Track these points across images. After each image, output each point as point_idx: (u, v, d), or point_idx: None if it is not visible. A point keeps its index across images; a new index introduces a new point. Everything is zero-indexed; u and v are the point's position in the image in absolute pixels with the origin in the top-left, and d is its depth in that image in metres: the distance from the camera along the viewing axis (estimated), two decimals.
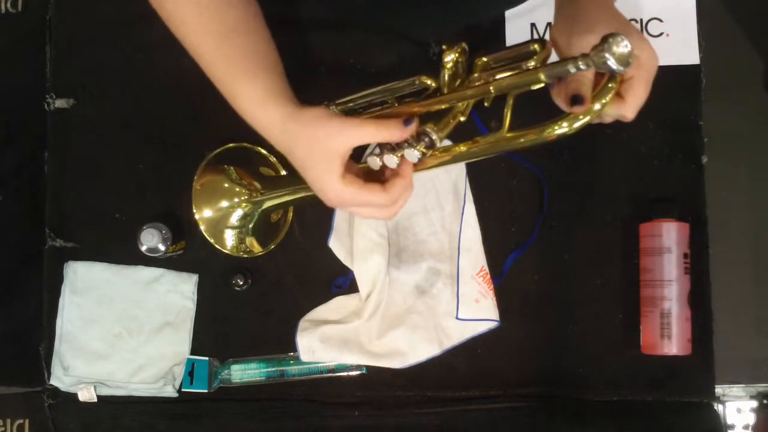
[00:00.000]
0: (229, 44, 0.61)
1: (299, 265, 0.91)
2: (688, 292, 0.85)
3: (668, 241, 0.85)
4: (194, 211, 0.83)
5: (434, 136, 0.60)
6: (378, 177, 0.64)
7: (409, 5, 0.74)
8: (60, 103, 0.93)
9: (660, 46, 0.90)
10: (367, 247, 0.86)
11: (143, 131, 0.93)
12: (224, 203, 0.83)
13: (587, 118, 0.54)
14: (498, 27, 0.92)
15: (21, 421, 0.92)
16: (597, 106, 0.54)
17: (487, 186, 0.90)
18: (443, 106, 0.61)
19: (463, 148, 0.62)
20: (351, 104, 0.77)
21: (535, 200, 0.90)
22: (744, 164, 0.94)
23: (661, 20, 0.92)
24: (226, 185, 0.84)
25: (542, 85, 0.56)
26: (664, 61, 0.90)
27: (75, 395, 0.89)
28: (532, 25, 0.92)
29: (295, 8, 0.91)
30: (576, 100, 0.53)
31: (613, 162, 0.90)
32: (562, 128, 0.55)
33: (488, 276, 0.87)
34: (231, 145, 0.86)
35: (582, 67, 0.51)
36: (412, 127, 0.59)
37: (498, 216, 0.90)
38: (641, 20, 0.92)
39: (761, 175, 0.94)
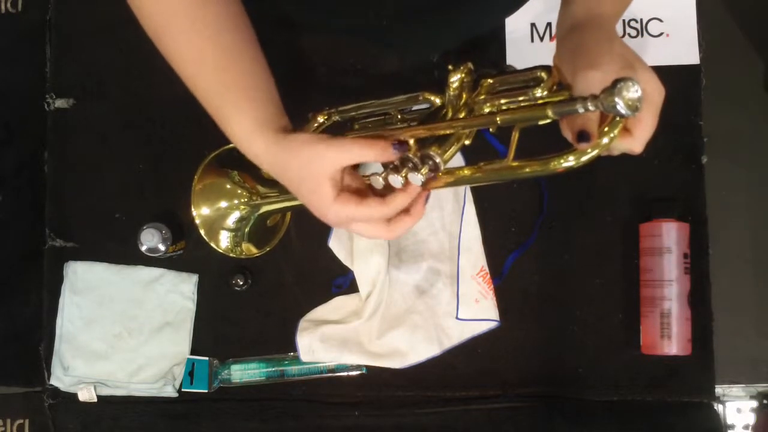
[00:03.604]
0: (222, 72, 0.61)
1: (299, 265, 0.91)
2: (688, 292, 0.85)
3: (668, 241, 0.85)
4: (192, 208, 0.83)
5: (438, 159, 0.60)
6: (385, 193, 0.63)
7: (408, 22, 0.74)
8: (60, 103, 0.93)
9: (660, 46, 0.91)
10: (367, 247, 0.86)
11: (143, 131, 0.93)
12: (223, 203, 0.83)
13: (595, 152, 0.54)
14: (498, 28, 0.92)
15: (21, 421, 0.92)
16: (605, 140, 0.53)
17: (487, 186, 0.90)
18: (448, 132, 0.61)
19: (467, 172, 0.61)
20: (353, 113, 0.77)
21: (535, 200, 0.90)
22: (744, 164, 0.94)
23: (661, 20, 0.92)
24: (228, 186, 0.84)
25: (549, 120, 0.55)
26: (664, 61, 0.90)
27: (75, 395, 0.89)
28: (532, 25, 0.92)
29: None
30: (582, 136, 0.53)
31: (613, 162, 0.89)
32: (568, 161, 0.54)
33: (488, 276, 0.87)
34: (232, 146, 0.86)
35: (591, 108, 0.50)
36: (402, 152, 0.59)
37: (498, 216, 0.90)
38: (641, 20, 0.92)
39: (761, 175, 0.94)
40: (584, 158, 0.54)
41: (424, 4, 0.70)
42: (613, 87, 0.49)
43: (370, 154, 0.59)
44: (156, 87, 0.93)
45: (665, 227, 0.85)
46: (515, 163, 0.58)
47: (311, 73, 0.92)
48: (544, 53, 0.91)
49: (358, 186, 0.63)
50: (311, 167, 0.59)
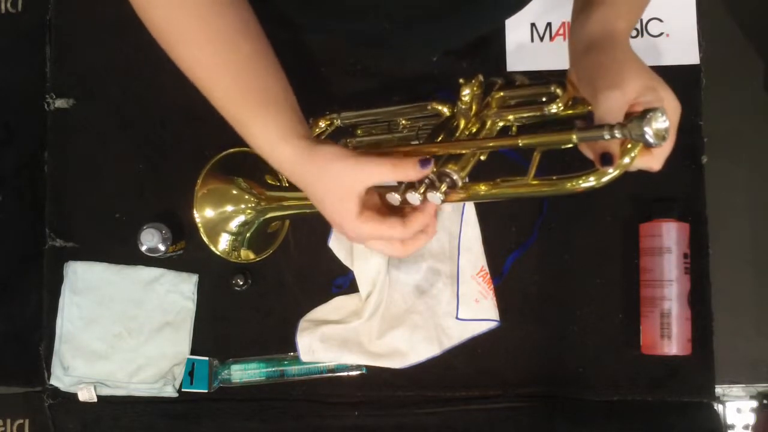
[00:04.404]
0: (242, 80, 0.61)
1: (299, 264, 0.90)
2: (688, 292, 0.85)
3: (668, 241, 0.85)
4: (195, 211, 0.83)
5: (455, 177, 0.60)
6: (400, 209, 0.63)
7: (410, 25, 0.74)
8: (60, 103, 0.93)
9: (660, 46, 0.91)
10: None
11: (143, 131, 0.93)
12: (229, 207, 0.83)
13: (616, 173, 0.54)
14: (498, 29, 0.91)
15: (21, 421, 0.92)
16: (626, 160, 0.53)
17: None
18: (465, 151, 0.61)
19: (483, 188, 0.60)
20: (356, 120, 0.77)
21: (534, 200, 0.90)
22: (744, 164, 0.94)
23: (661, 20, 0.92)
24: (234, 192, 0.83)
25: (571, 145, 0.55)
26: (664, 61, 0.90)
27: (75, 395, 0.89)
28: (532, 25, 0.92)
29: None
30: (606, 159, 0.53)
31: None
32: (588, 182, 0.54)
33: (488, 276, 0.87)
34: (235, 149, 0.86)
35: (617, 136, 0.50)
36: (429, 169, 0.59)
37: (498, 216, 0.90)
38: (641, 20, 0.92)
39: (761, 175, 0.94)
40: (605, 179, 0.54)
41: (426, 10, 0.70)
42: (642, 117, 0.49)
43: (401, 174, 0.59)
44: (156, 87, 0.93)
45: (665, 227, 0.85)
46: (534, 182, 0.57)
47: (311, 73, 0.92)
48: (544, 53, 0.91)
49: (377, 203, 0.63)
50: (339, 183, 0.59)
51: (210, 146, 0.88)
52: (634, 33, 0.92)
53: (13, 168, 0.95)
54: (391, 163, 0.58)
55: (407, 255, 0.63)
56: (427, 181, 0.60)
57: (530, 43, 0.92)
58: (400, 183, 0.61)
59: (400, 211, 0.62)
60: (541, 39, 0.92)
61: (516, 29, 0.92)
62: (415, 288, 0.89)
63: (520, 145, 0.57)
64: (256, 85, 0.62)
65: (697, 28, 0.91)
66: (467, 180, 0.62)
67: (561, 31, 0.91)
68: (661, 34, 0.91)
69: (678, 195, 0.89)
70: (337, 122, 0.80)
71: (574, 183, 0.55)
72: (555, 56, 0.91)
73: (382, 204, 0.63)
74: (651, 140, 0.49)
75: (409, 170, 0.59)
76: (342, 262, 0.88)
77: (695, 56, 0.90)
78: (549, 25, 0.92)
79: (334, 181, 0.59)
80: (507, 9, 0.80)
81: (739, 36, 0.95)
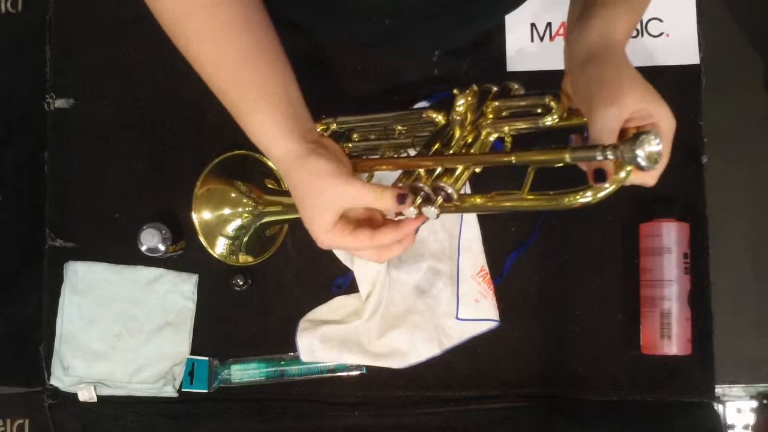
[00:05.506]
0: (240, 72, 0.61)
1: (299, 265, 0.91)
2: (688, 292, 0.85)
3: (668, 241, 0.85)
4: (193, 212, 0.82)
5: (450, 190, 0.60)
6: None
7: (411, 30, 0.74)
8: (60, 103, 0.93)
9: (660, 46, 0.91)
10: None
11: (143, 131, 0.93)
12: (226, 210, 0.83)
13: (611, 188, 0.54)
14: (498, 28, 0.91)
15: (21, 421, 0.92)
16: (622, 175, 0.53)
17: (487, 186, 0.89)
18: (459, 167, 0.61)
19: (478, 200, 0.61)
20: (352, 125, 0.77)
21: None
22: (744, 164, 0.94)
23: (661, 20, 0.92)
24: (233, 195, 0.83)
25: (562, 164, 0.55)
26: (664, 61, 0.90)
27: (75, 395, 0.89)
28: (532, 25, 0.92)
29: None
30: (599, 176, 0.53)
31: None
32: (585, 198, 0.54)
33: (488, 276, 0.87)
34: (236, 152, 0.85)
35: (610, 157, 0.50)
36: (405, 206, 0.60)
37: (498, 216, 0.90)
38: (641, 20, 0.92)
39: (761, 175, 0.94)
40: (601, 194, 0.54)
41: (429, 8, 0.70)
42: (635, 140, 0.49)
43: (381, 204, 0.60)
44: (156, 87, 0.93)
45: (665, 227, 0.85)
46: (530, 197, 0.58)
47: (310, 73, 0.92)
48: (544, 53, 0.91)
49: (357, 213, 0.63)
50: (321, 198, 0.60)
51: (209, 146, 0.88)
52: (634, 33, 0.92)
53: (13, 168, 0.95)
54: (374, 192, 0.59)
55: (382, 261, 0.64)
56: (422, 194, 0.60)
57: (530, 43, 0.92)
58: None
59: (380, 221, 0.63)
60: (541, 39, 0.92)
61: (516, 29, 0.92)
62: (415, 288, 0.89)
63: (514, 162, 0.57)
64: (255, 78, 0.62)
65: (697, 28, 0.91)
66: (462, 192, 0.62)
67: (561, 31, 0.91)
68: (661, 34, 0.91)
69: (678, 195, 0.89)
70: (333, 127, 0.80)
71: (570, 198, 0.55)
72: (555, 56, 0.91)
73: (363, 213, 0.63)
74: (643, 163, 0.50)
75: (389, 203, 0.59)
76: (342, 262, 0.88)
77: (695, 56, 0.90)
78: (549, 25, 0.92)
79: (317, 195, 0.60)
80: (508, 6, 0.80)
81: (739, 36, 0.95)
